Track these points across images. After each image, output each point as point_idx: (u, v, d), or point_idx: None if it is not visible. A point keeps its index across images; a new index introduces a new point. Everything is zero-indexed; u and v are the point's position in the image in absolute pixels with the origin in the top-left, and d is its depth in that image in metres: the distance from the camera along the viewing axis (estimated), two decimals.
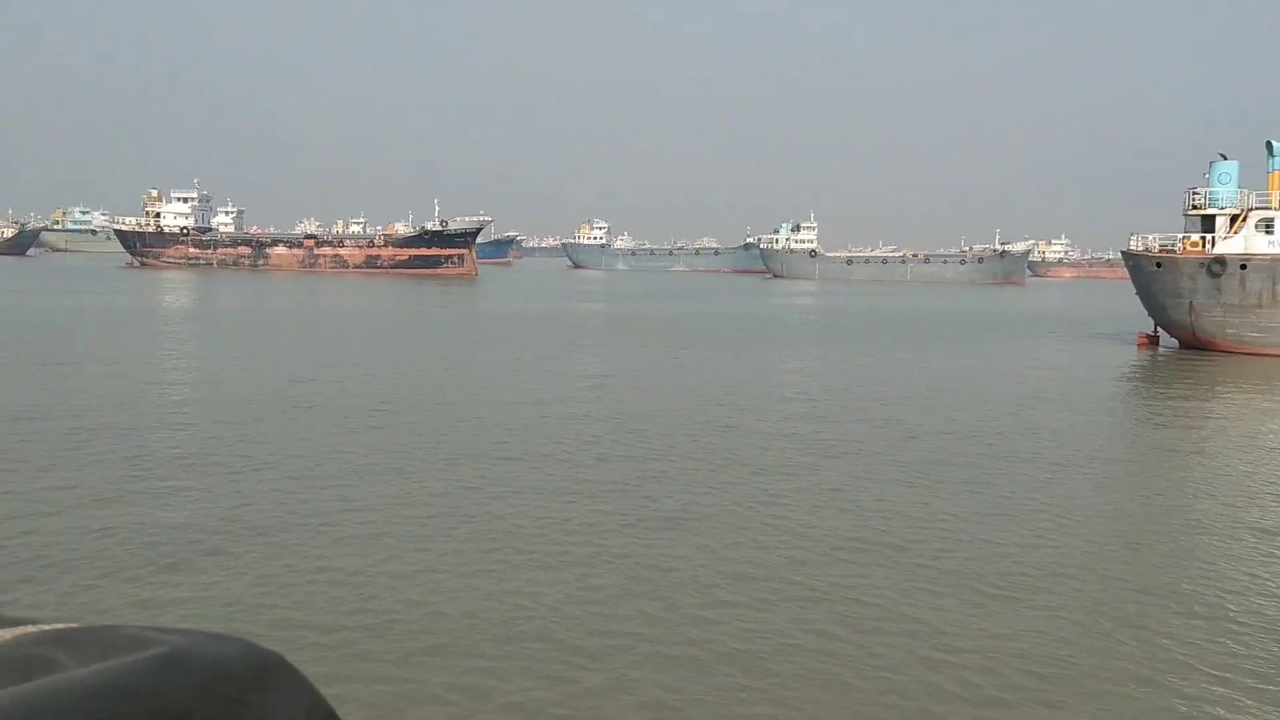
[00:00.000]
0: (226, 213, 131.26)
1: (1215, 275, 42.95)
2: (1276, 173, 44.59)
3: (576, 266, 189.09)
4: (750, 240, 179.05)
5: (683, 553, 12.63)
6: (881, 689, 8.92)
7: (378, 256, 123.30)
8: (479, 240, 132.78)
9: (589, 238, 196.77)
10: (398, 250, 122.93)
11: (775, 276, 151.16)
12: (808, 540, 13.29)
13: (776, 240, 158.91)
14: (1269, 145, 45.27)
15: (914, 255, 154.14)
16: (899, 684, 9.02)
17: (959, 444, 20.47)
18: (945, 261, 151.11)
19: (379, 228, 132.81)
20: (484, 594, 10.91)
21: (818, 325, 57.34)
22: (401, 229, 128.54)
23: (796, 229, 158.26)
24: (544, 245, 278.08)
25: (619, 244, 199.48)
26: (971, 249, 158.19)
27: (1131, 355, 43.08)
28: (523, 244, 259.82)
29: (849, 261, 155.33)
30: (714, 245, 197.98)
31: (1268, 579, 12.24)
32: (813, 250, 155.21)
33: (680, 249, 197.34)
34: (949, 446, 20.18)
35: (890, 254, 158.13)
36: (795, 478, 17.06)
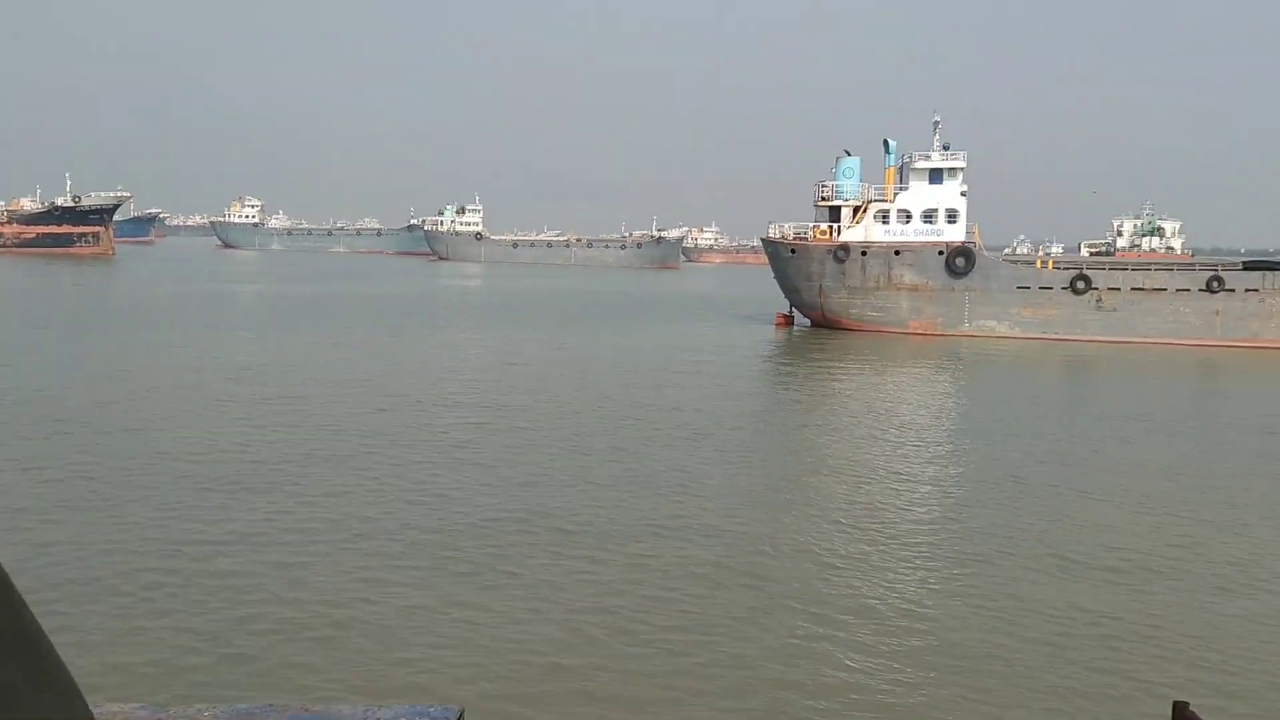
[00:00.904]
0: None
1: (841, 261, 47.28)
2: (891, 169, 49.66)
3: (227, 246, 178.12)
4: (414, 222, 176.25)
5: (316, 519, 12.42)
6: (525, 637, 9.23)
7: (0, 235, 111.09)
8: (117, 218, 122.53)
9: (240, 216, 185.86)
10: (23, 228, 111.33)
11: (440, 259, 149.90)
12: (444, 502, 13.46)
13: (441, 222, 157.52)
14: (886, 144, 50.33)
15: (578, 240, 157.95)
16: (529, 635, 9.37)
17: (610, 417, 21.37)
18: (607, 246, 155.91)
19: (1, 203, 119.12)
20: None
21: (482, 307, 57.63)
22: (28, 205, 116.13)
23: (461, 211, 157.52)
24: (191, 224, 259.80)
25: (274, 223, 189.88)
26: (631, 235, 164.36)
27: (770, 334, 46.62)
28: (166, 222, 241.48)
29: (515, 245, 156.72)
30: (376, 226, 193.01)
31: (861, 522, 13.75)
32: (478, 233, 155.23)
33: (340, 229, 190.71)
34: (600, 420, 21.02)
35: (555, 238, 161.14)
36: (449, 454, 17.18)
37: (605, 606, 10.31)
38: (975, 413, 25.28)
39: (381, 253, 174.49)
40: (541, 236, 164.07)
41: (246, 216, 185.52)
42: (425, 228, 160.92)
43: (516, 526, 13.02)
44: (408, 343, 35.87)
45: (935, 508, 14.83)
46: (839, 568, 11.82)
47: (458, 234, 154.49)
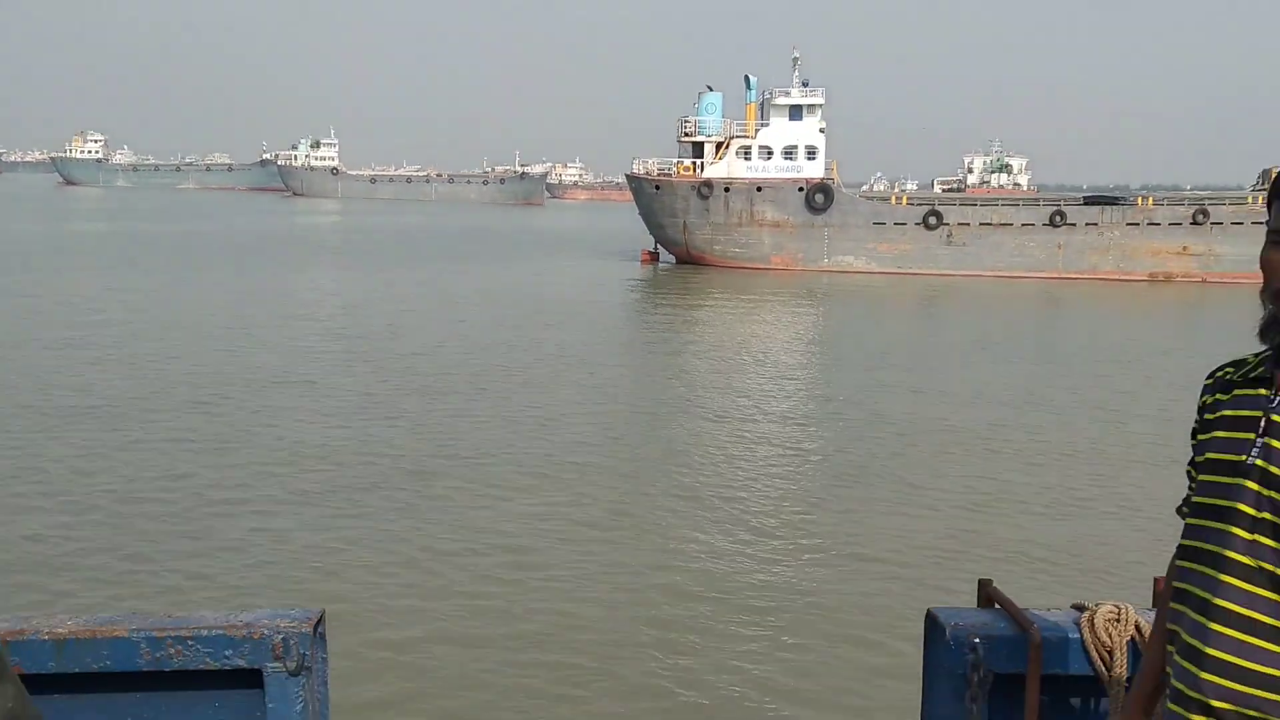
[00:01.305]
0: None
1: (704, 197, 47.63)
2: (753, 105, 50.06)
3: (69, 183, 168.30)
4: (267, 157, 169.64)
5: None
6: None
7: None
8: None
9: (83, 151, 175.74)
10: None
11: (296, 195, 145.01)
12: (296, 443, 13.23)
13: (295, 157, 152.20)
14: (747, 80, 50.65)
15: (438, 175, 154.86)
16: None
17: (470, 356, 21.20)
18: (469, 182, 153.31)
19: None
20: None
21: (340, 245, 56.14)
22: None
23: (316, 145, 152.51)
24: (29, 159, 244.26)
25: (119, 159, 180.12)
26: (494, 170, 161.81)
27: (636, 270, 46.81)
28: (2, 158, 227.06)
29: (373, 180, 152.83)
30: (227, 162, 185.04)
31: (722, 453, 14.08)
32: (335, 168, 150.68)
33: (190, 165, 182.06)
34: (463, 358, 20.84)
35: (415, 173, 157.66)
36: (301, 394, 16.82)
37: (462, 535, 10.32)
38: (833, 345, 25.99)
39: (233, 189, 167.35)
40: (401, 171, 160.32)
41: (89, 152, 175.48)
42: (279, 163, 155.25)
43: (369, 464, 12.86)
44: (258, 282, 34.75)
45: (788, 439, 15.24)
46: (694, 499, 12.07)
47: (313, 169, 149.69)
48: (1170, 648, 2.01)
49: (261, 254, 46.57)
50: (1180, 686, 1.95)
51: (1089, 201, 49.84)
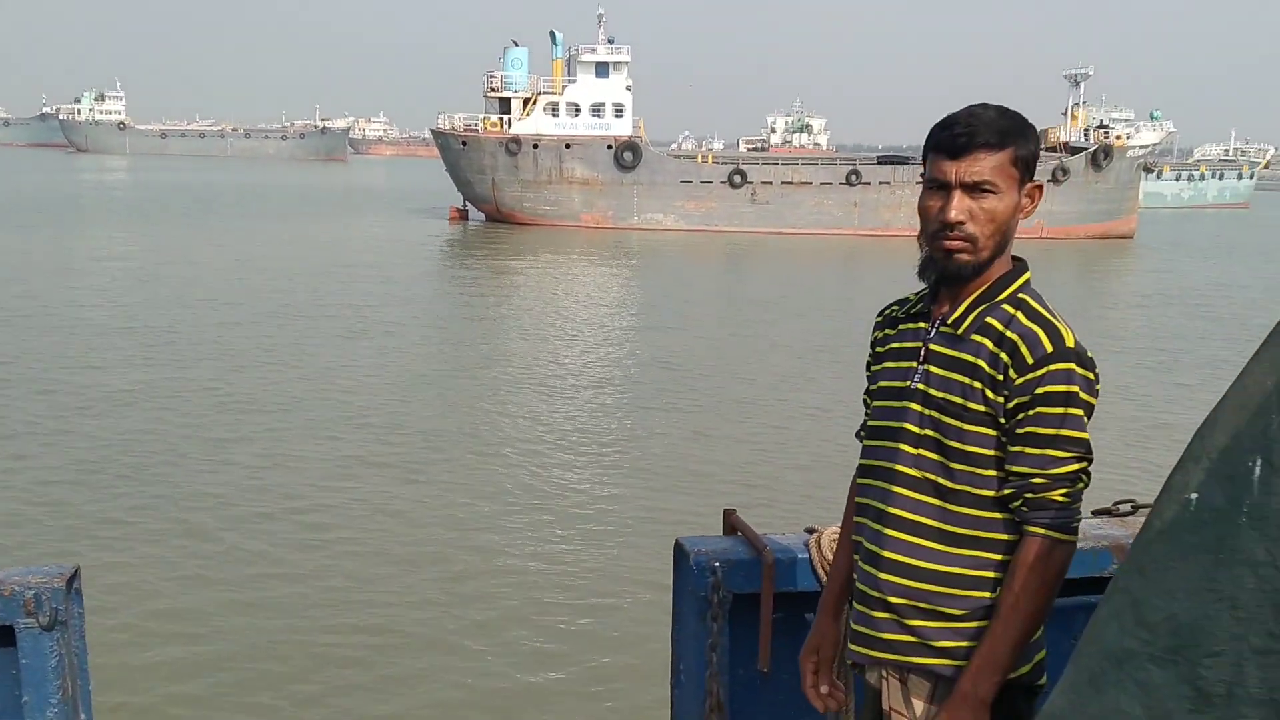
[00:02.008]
0: None
1: (513, 154, 47.21)
2: (559, 61, 49.85)
3: None
4: (47, 110, 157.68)
5: None
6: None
7: None
8: None
9: None
10: None
11: (80, 151, 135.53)
12: (59, 409, 12.61)
13: (78, 111, 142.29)
14: (553, 35, 50.38)
15: (234, 130, 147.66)
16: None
17: (262, 317, 20.51)
18: (267, 137, 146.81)
19: None
20: None
21: (126, 203, 52.95)
22: None
23: (101, 98, 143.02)
24: None
25: None
26: (293, 125, 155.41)
27: (444, 228, 46.10)
28: None
29: (163, 135, 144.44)
30: (3, 115, 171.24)
31: (518, 410, 14.20)
32: (122, 122, 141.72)
33: None
34: (251, 321, 20.11)
35: (209, 128, 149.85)
36: (73, 359, 15.95)
37: (252, 499, 10.08)
38: (639, 303, 26.39)
39: (10, 145, 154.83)
40: (194, 126, 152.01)
41: None
42: (60, 117, 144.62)
43: (152, 429, 12.36)
44: (34, 244, 32.51)
45: (588, 399, 15.46)
46: (486, 454, 12.16)
47: (98, 123, 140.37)
48: (855, 556, 2.24)
49: (41, 215, 43.46)
50: (864, 589, 2.18)
51: (883, 161, 52.04)
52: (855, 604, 2.22)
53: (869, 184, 48.18)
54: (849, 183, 47.98)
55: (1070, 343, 2.02)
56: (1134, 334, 22.24)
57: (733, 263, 37.48)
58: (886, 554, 2.11)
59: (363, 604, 8.09)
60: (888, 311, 2.32)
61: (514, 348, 19.09)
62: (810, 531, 2.74)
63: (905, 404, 2.12)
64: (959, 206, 2.03)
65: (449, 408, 14.33)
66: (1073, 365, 2.00)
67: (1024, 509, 2.03)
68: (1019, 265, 2.15)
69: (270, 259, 30.54)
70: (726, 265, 36.91)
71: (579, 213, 47.52)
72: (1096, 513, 2.89)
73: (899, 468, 2.11)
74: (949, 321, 2.11)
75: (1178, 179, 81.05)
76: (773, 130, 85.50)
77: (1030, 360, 2.00)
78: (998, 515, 2.06)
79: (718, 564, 2.65)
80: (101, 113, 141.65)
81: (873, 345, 2.31)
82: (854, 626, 2.20)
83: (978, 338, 2.06)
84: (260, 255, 31.43)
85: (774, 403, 15.05)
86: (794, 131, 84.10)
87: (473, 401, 14.73)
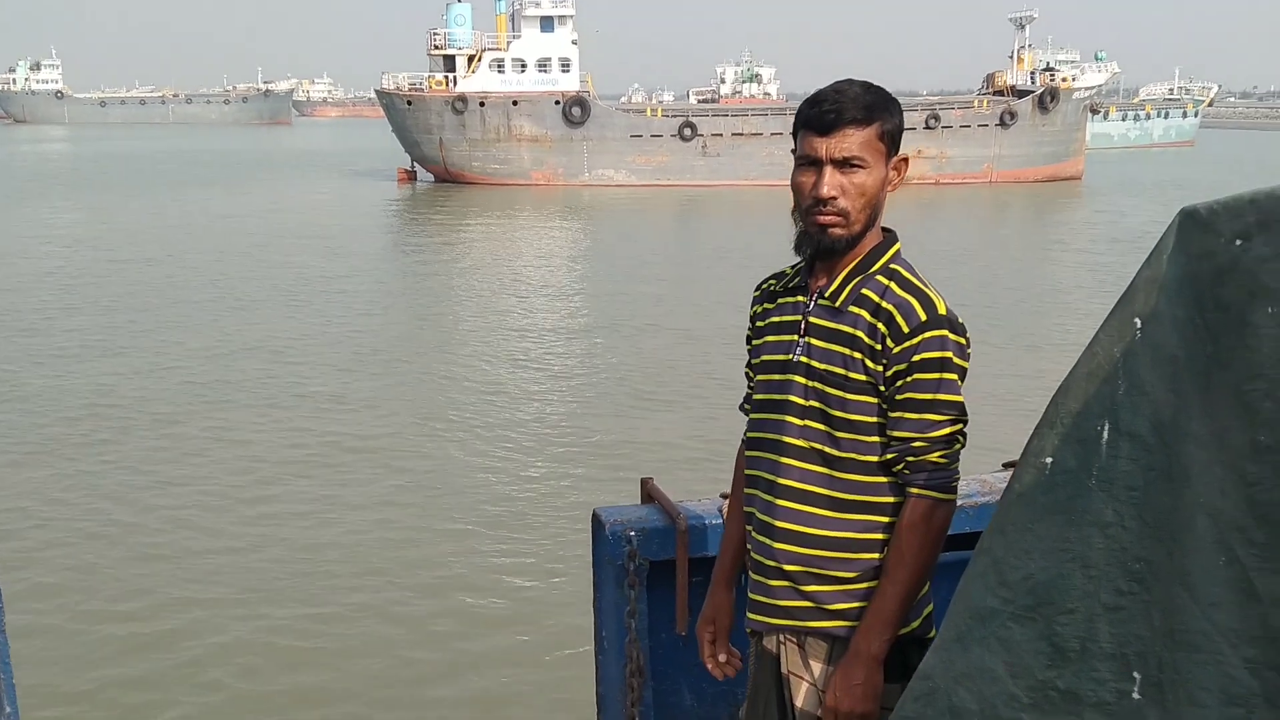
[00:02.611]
0: None
1: (459, 113, 46.61)
2: (503, 15, 49.17)
3: None
4: None
5: None
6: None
7: None
8: None
9: None
10: None
11: (17, 122, 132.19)
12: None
13: (13, 80, 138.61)
14: None
15: (175, 96, 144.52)
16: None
17: (205, 285, 20.24)
18: (209, 102, 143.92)
19: None
20: None
21: (65, 174, 51.80)
22: None
23: (37, 67, 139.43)
24: None
25: None
26: (235, 88, 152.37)
27: (393, 190, 45.57)
28: None
29: (103, 104, 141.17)
30: None
31: (463, 373, 14.19)
32: (59, 91, 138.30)
33: None
34: (191, 289, 19.85)
35: (149, 94, 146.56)
36: (40, 336, 15.69)
37: (177, 469, 10.02)
38: (589, 262, 26.33)
39: None
40: (134, 93, 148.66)
41: None
42: None
43: (82, 404, 12.22)
44: None
45: (532, 365, 15.44)
46: (424, 425, 12.14)
47: (34, 93, 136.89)
48: (748, 527, 2.29)
49: None
50: (759, 558, 2.23)
51: None
52: (751, 574, 2.27)
53: None
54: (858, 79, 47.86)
55: (942, 310, 2.10)
56: (1079, 285, 22.56)
57: (684, 216, 37.41)
58: (780, 524, 2.17)
59: (293, 578, 8.06)
60: (765, 286, 2.36)
61: (459, 313, 18.93)
62: (725, 497, 2.78)
63: (789, 377, 2.18)
64: (831, 182, 2.08)
65: (392, 377, 14.12)
66: (945, 332, 2.09)
67: (906, 472, 2.12)
68: (889, 236, 2.21)
69: (209, 227, 30.04)
70: (678, 219, 36.84)
71: (529, 170, 47.13)
72: (1007, 465, 2.96)
73: (786, 439, 2.17)
74: (826, 295, 2.16)
75: (1124, 119, 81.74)
76: (722, 81, 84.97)
77: (906, 329, 2.08)
78: (883, 480, 2.14)
79: (633, 533, 2.69)
80: (38, 82, 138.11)
81: (752, 320, 2.36)
82: (751, 595, 2.26)
83: (855, 309, 2.13)
84: (198, 223, 30.89)
85: (718, 361, 15.06)
86: (744, 81, 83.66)
87: (415, 369, 14.55)
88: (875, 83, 2.14)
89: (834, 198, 2.08)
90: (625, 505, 2.84)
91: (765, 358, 2.26)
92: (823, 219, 2.10)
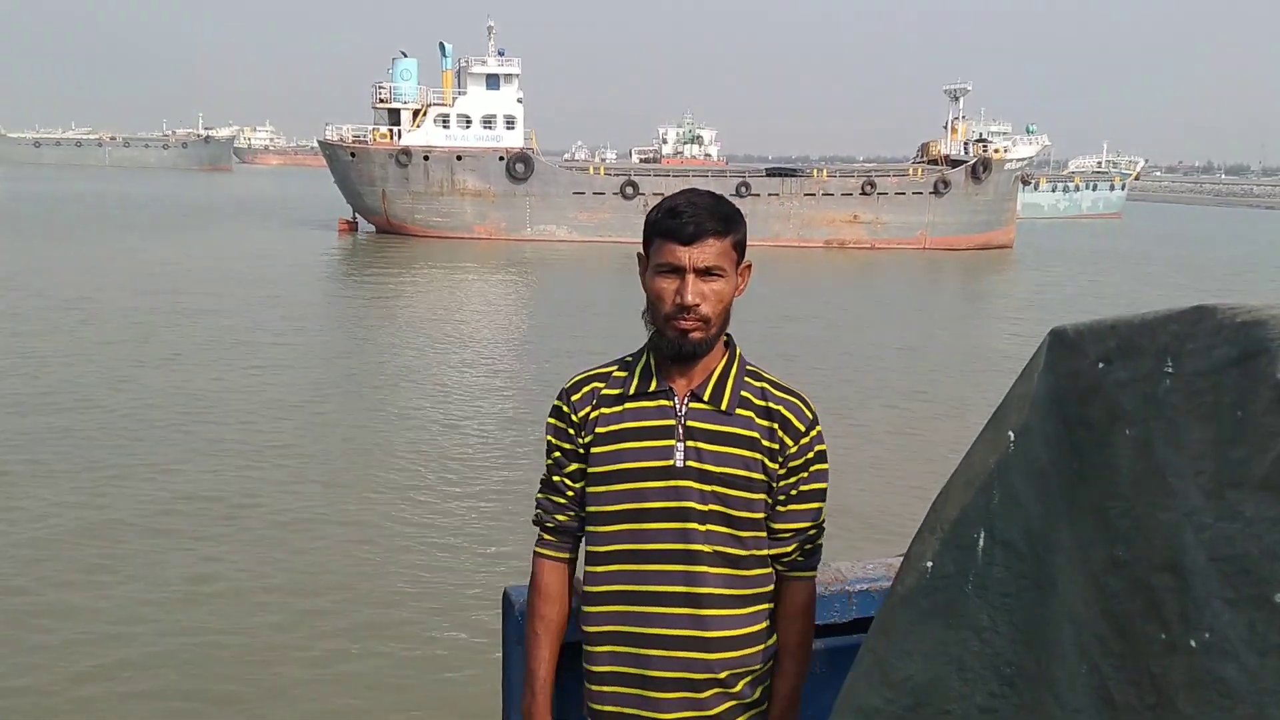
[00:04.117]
0: None
1: (403, 165, 46.70)
2: (449, 72, 49.49)
3: None
4: None
5: None
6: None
7: None
8: None
9: None
10: None
11: None
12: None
13: None
14: (442, 46, 50.00)
15: (112, 138, 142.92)
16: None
17: (136, 334, 19.91)
18: (147, 146, 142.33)
19: None
20: None
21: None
22: None
23: None
24: None
25: None
26: (175, 133, 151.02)
27: (333, 240, 45.31)
28: None
29: (37, 144, 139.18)
30: None
31: (392, 432, 14.09)
32: None
33: None
34: (121, 339, 19.51)
35: (85, 136, 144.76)
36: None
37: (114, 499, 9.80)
38: (526, 317, 26.37)
39: None
40: (69, 134, 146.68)
41: None
42: None
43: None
44: None
45: (458, 422, 15.39)
46: (345, 482, 12.01)
47: None
48: (643, 649, 2.26)
49: None
50: (684, 674, 2.26)
51: (771, 173, 52.92)
52: (662, 692, 2.21)
53: (758, 195, 48.91)
54: (739, 194, 48.54)
55: (813, 407, 2.27)
56: (1007, 355, 23.05)
57: (624, 273, 37.55)
58: (712, 634, 2.17)
59: (208, 647, 7.91)
60: (587, 390, 2.31)
61: (389, 367, 18.56)
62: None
63: (675, 483, 2.17)
64: (694, 289, 2.15)
65: (315, 432, 13.81)
66: (820, 427, 2.26)
67: (799, 559, 2.26)
68: (730, 339, 2.30)
69: (135, 271, 29.54)
70: (618, 276, 37.03)
71: (472, 224, 47.23)
72: None
73: (695, 547, 2.17)
74: (704, 398, 2.21)
75: (1054, 190, 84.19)
76: (664, 141, 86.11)
77: (801, 428, 2.22)
78: (768, 570, 2.26)
79: None
80: None
81: (575, 426, 2.28)
82: (672, 716, 2.20)
83: (742, 411, 2.21)
84: (128, 269, 30.34)
85: None
86: (685, 143, 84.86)
87: (342, 426, 14.18)
88: (721, 194, 2.28)
89: (697, 304, 2.15)
90: None
91: (626, 465, 2.21)
92: (685, 324, 2.16)
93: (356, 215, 48.95)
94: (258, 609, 8.43)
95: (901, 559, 3.04)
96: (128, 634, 7.90)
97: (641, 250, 2.26)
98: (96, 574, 8.93)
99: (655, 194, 48.17)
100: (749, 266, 2.28)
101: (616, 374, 2.30)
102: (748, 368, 2.27)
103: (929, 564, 1.52)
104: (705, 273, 2.16)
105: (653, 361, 2.26)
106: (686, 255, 2.14)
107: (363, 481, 11.83)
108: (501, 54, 49.21)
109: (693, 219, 2.14)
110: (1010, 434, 1.47)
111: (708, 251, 2.15)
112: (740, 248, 2.23)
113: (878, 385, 18.03)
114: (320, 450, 13.00)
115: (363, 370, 18.34)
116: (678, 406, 2.21)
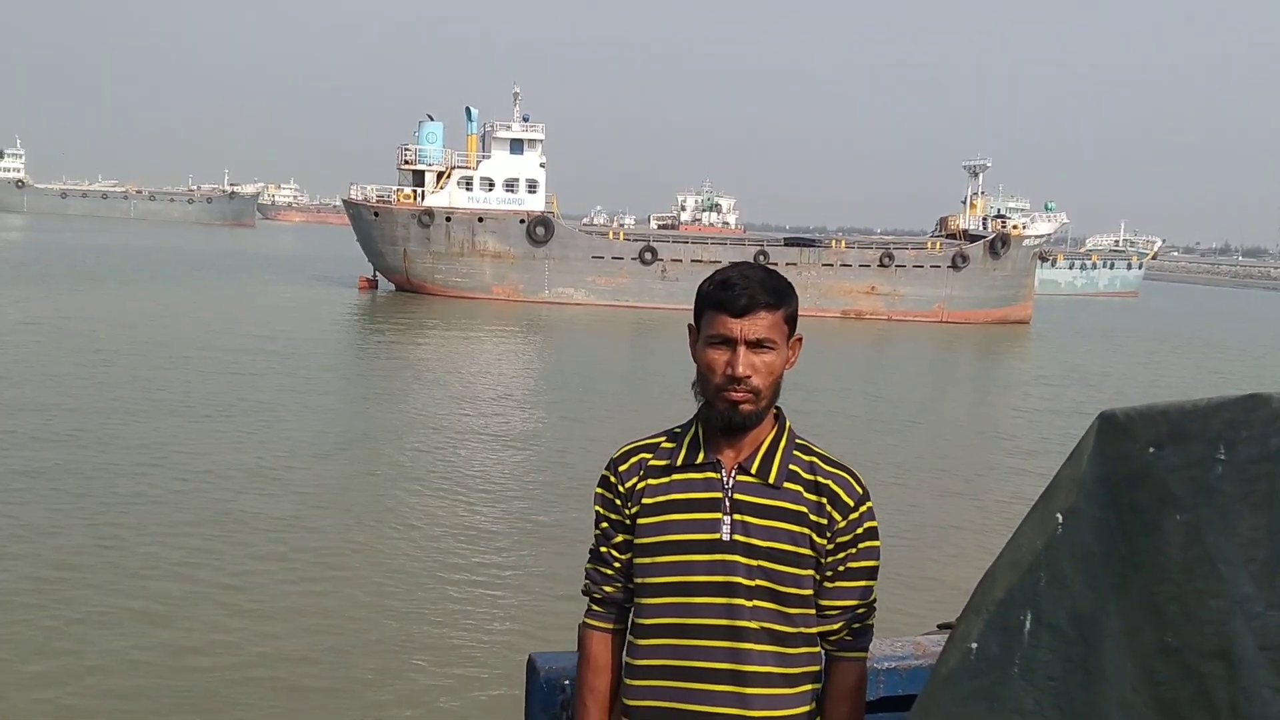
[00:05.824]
0: None
1: (425, 226, 47.19)
2: (474, 136, 50.22)
3: None
4: None
5: None
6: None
7: None
8: None
9: None
10: None
11: None
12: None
13: None
14: (468, 111, 50.82)
15: (138, 192, 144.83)
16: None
17: (156, 386, 20.03)
18: (173, 200, 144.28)
19: None
20: None
21: (22, 264, 51.42)
22: None
23: (0, 155, 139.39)
24: None
25: None
26: (200, 188, 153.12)
27: (354, 297, 45.70)
28: None
29: (64, 195, 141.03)
30: None
31: (402, 497, 14.07)
32: (20, 180, 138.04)
33: None
34: (143, 390, 19.64)
35: (112, 189, 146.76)
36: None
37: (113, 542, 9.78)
38: (541, 379, 26.41)
39: None
40: (96, 186, 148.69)
41: None
42: None
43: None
44: None
45: (472, 489, 15.37)
46: (359, 548, 11.98)
47: None
48: None
49: None
50: None
51: (789, 243, 53.23)
52: None
53: (776, 264, 48.98)
54: (756, 262, 48.80)
55: (862, 482, 2.23)
56: (1030, 431, 22.94)
57: (640, 338, 37.77)
58: (756, 713, 2.14)
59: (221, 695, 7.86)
60: (634, 460, 2.29)
61: (405, 425, 18.67)
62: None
63: (723, 557, 2.15)
64: (746, 361, 2.15)
65: (324, 496, 13.70)
66: (871, 503, 2.22)
67: (848, 638, 2.21)
68: (780, 411, 2.28)
69: (161, 325, 29.78)
70: (634, 341, 37.18)
71: (490, 285, 47.54)
72: (942, 626, 2.99)
73: (741, 623, 2.14)
74: (752, 471, 2.19)
75: (1071, 268, 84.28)
76: (683, 208, 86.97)
77: (850, 503, 2.19)
78: (816, 649, 2.21)
79: (567, 682, 2.65)
80: (0, 170, 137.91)
81: (623, 497, 2.27)
82: None
83: (790, 485, 2.19)
84: (150, 321, 30.60)
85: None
86: (704, 210, 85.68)
87: (352, 490, 14.11)
88: (774, 269, 2.28)
89: (748, 376, 2.14)
90: (561, 653, 2.81)
91: (673, 537, 2.19)
92: (736, 396, 2.15)
93: (376, 273, 49.38)
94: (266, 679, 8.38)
95: (925, 636, 3.03)
96: (148, 688, 7.85)
97: (692, 322, 2.27)
98: (110, 625, 8.91)
99: (673, 260, 48.56)
100: (800, 340, 2.26)
101: (665, 445, 2.28)
102: (797, 441, 2.25)
103: (974, 645, 1.52)
104: (757, 345, 2.15)
105: (701, 433, 2.24)
106: (738, 327, 2.15)
107: (371, 539, 11.82)
108: (526, 120, 49.92)
109: (745, 291, 2.15)
110: (1059, 516, 1.47)
111: (759, 324, 2.15)
112: (791, 321, 2.22)
113: (890, 458, 17.97)
114: (324, 525, 12.99)
115: (372, 429, 18.37)
116: (725, 479, 2.19)
